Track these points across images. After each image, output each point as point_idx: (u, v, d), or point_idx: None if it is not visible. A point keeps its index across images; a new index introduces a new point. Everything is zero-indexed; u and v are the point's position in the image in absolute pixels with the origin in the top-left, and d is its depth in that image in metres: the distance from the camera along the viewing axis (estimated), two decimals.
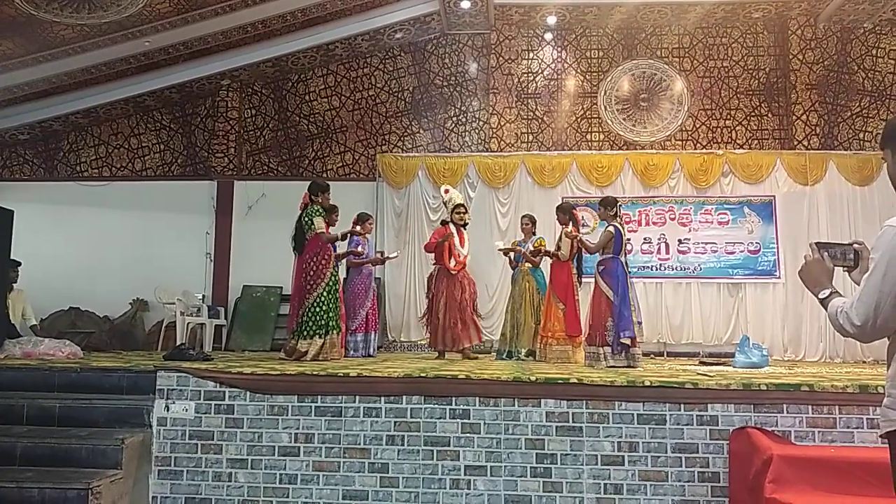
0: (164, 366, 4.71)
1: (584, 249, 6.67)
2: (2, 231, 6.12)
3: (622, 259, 6.11)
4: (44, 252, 9.11)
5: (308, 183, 6.57)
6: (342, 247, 7.17)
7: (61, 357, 5.93)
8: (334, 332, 6.21)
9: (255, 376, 4.57)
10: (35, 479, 3.92)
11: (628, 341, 5.90)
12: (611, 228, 6.17)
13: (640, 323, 6.19)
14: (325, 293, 6.16)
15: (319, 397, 4.40)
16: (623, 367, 5.80)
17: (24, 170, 10.57)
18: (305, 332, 6.09)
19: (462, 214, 7.24)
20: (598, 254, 6.29)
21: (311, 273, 6.19)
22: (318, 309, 6.13)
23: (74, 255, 9.75)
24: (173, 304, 8.54)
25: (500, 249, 7.70)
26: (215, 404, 4.45)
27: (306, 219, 6.26)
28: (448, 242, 7.01)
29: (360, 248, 7.29)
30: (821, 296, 2.10)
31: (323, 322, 6.11)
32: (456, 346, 7.00)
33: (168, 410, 4.45)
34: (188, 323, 8.53)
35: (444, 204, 7.55)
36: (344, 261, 7.32)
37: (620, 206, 6.49)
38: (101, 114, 10.30)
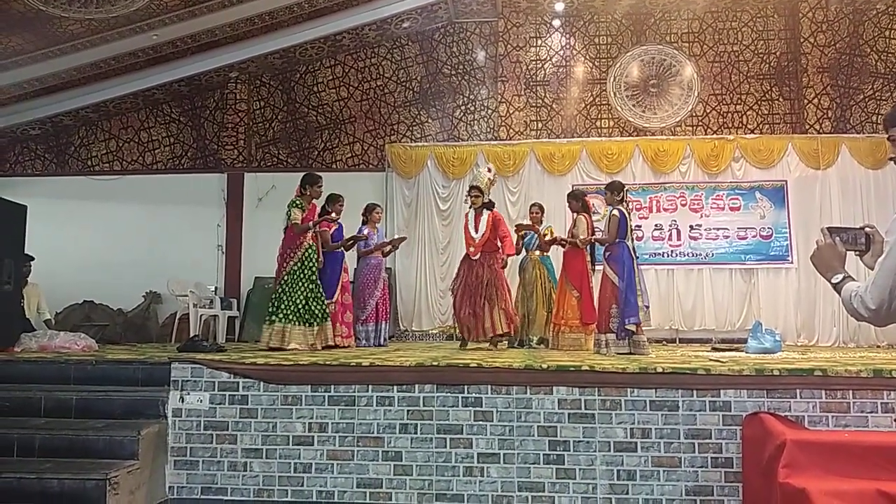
0: (179, 357, 4.74)
1: (599, 243, 6.61)
2: (15, 226, 6.18)
3: (628, 244, 6.04)
4: (57, 246, 9.17)
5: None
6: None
7: (77, 350, 6.00)
8: (288, 322, 6.08)
9: (268, 367, 4.60)
10: (54, 469, 3.97)
11: (633, 328, 5.86)
12: (615, 213, 6.06)
13: (647, 307, 6.13)
14: (283, 282, 6.17)
15: (332, 387, 4.42)
16: (625, 353, 5.77)
17: (35, 165, 10.64)
18: (264, 319, 6.19)
19: (474, 198, 6.90)
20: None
21: (280, 261, 6.27)
22: (274, 297, 6.19)
23: (87, 248, 9.82)
24: (186, 296, 8.60)
25: (517, 225, 7.50)
26: (229, 395, 4.48)
27: (287, 209, 6.34)
28: (464, 228, 6.90)
29: (366, 232, 7.29)
30: (833, 280, 2.09)
31: (272, 309, 6.13)
32: (475, 336, 6.71)
33: (183, 401, 4.49)
34: (201, 315, 8.59)
35: None
36: (353, 251, 7.34)
37: (627, 190, 6.41)
38: (110, 108, 10.35)
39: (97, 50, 8.98)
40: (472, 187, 6.99)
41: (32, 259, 7.60)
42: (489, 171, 7.22)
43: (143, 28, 8.72)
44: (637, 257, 6.14)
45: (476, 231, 6.79)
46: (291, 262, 6.21)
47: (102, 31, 8.58)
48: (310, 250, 6.35)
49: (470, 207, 6.95)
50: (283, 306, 6.11)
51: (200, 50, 9.55)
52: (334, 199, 7.05)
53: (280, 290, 6.16)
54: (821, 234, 2.18)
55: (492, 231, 6.75)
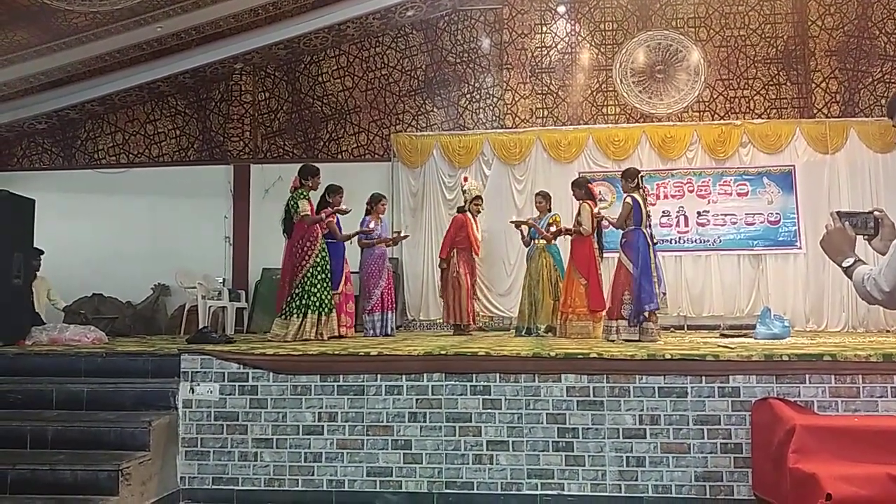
0: (188, 349, 4.77)
1: (611, 226, 6.64)
2: (24, 220, 6.20)
3: (644, 230, 6.04)
4: (65, 240, 9.21)
5: (320, 166, 6.78)
6: (347, 227, 7.36)
7: (87, 343, 6.04)
8: (316, 313, 6.22)
9: (277, 357, 4.63)
10: (67, 461, 4.01)
11: (646, 313, 5.87)
12: (628, 200, 6.11)
13: (664, 293, 6.14)
14: (308, 274, 6.23)
15: (342, 376, 4.44)
16: (633, 340, 5.77)
17: (42, 159, 10.67)
18: (285, 314, 6.18)
19: (476, 204, 7.78)
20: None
21: (298, 255, 6.28)
22: (299, 290, 6.22)
23: (95, 242, 9.85)
24: (194, 288, 8.63)
25: (511, 221, 7.92)
26: (239, 385, 4.51)
27: (293, 202, 6.33)
28: (468, 232, 7.58)
29: (371, 226, 7.30)
30: (844, 265, 2.08)
31: (303, 303, 6.17)
32: (473, 322, 7.63)
33: (193, 392, 4.52)
34: (210, 306, 8.61)
35: (463, 192, 7.80)
36: (354, 241, 7.36)
37: (643, 177, 6.40)
38: (116, 101, 10.35)
39: (102, 43, 8.97)
40: (478, 196, 7.84)
41: (42, 253, 7.64)
42: (465, 180, 8.16)
43: (148, 20, 8.70)
44: (655, 244, 6.15)
45: (477, 232, 7.79)
46: (314, 256, 6.27)
47: (107, 23, 8.56)
48: (324, 242, 6.47)
49: (466, 212, 7.73)
50: (314, 299, 6.21)
51: (205, 42, 9.53)
52: (334, 191, 7.06)
53: (307, 282, 6.22)
54: (830, 219, 2.17)
55: None
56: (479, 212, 7.86)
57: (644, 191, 6.31)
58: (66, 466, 3.95)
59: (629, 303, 5.91)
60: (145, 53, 9.45)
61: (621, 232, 6.25)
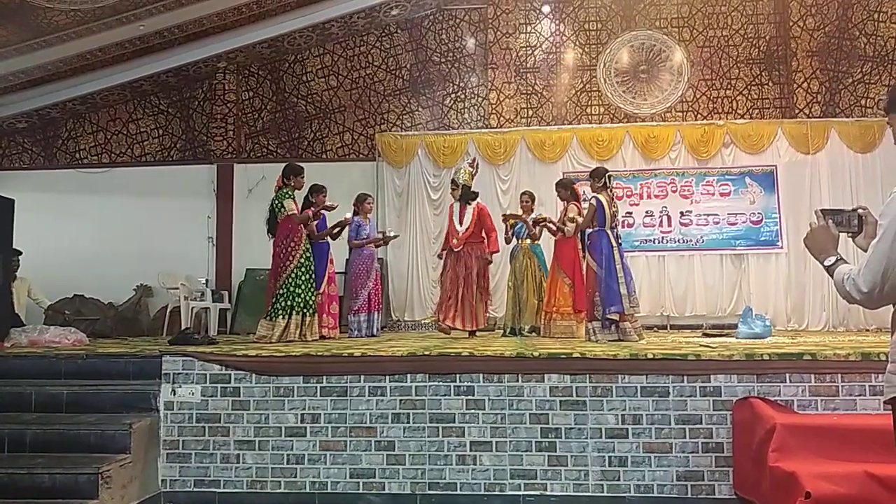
0: (170, 350, 4.74)
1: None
2: (2, 220, 6.14)
3: (608, 231, 5.97)
4: (46, 240, 9.12)
5: (304, 165, 6.76)
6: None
7: (67, 344, 5.97)
8: (300, 314, 6.21)
9: (260, 358, 4.60)
10: (45, 464, 3.97)
11: (616, 316, 5.82)
12: (592, 201, 6.06)
13: (633, 294, 6.04)
14: (293, 275, 6.21)
15: (325, 377, 4.42)
16: (614, 340, 5.75)
17: (23, 158, 10.55)
18: (270, 315, 6.15)
19: (452, 191, 7.25)
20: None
21: (282, 255, 6.27)
22: (284, 291, 6.19)
23: (77, 242, 9.76)
24: (177, 289, 8.57)
25: (504, 215, 7.57)
26: (221, 387, 4.48)
27: (277, 202, 6.32)
28: (448, 221, 7.16)
29: (348, 216, 7.27)
30: (826, 263, 2.10)
31: (288, 304, 6.15)
32: (454, 324, 6.89)
33: (175, 394, 4.48)
34: (192, 307, 8.56)
35: None
36: (342, 241, 7.33)
37: (610, 176, 6.23)
38: (98, 100, 10.25)
39: (83, 41, 8.87)
40: (451, 181, 7.29)
41: (20, 253, 7.56)
42: (470, 165, 7.42)
43: (130, 18, 8.62)
44: (619, 245, 6.06)
45: (461, 223, 6.98)
46: (298, 256, 6.24)
47: (88, 21, 8.47)
48: (308, 242, 6.44)
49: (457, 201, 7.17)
50: (298, 300, 6.19)
51: (188, 40, 9.46)
52: (317, 190, 7.04)
53: (292, 283, 6.20)
54: (814, 217, 2.18)
55: (476, 224, 6.95)
56: (456, 198, 7.11)
57: (611, 191, 6.18)
58: (45, 470, 3.91)
59: (599, 304, 5.89)
60: (127, 52, 9.36)
61: (587, 233, 6.22)
